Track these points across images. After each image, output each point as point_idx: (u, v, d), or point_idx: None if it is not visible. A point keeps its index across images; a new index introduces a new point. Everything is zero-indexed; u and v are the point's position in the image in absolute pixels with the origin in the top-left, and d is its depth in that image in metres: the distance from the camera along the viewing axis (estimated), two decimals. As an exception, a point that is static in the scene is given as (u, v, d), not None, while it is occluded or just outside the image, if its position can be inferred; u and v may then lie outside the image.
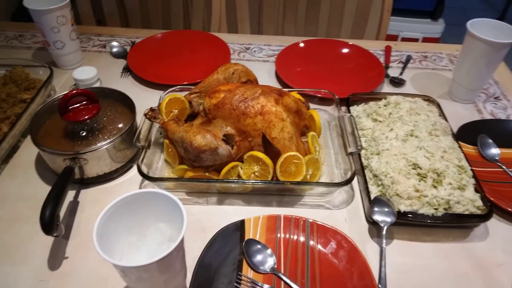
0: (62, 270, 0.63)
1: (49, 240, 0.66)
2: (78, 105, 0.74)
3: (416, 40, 2.30)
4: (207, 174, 0.70)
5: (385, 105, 0.86)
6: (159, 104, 0.80)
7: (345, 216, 0.72)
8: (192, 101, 0.80)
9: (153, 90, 0.99)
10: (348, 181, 0.69)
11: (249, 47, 1.17)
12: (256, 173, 0.71)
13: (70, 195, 0.74)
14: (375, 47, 1.16)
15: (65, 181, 0.65)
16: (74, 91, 0.71)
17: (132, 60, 1.05)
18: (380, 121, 0.83)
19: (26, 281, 0.61)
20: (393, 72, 1.07)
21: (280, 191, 0.74)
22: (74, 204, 0.72)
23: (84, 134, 0.73)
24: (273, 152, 0.69)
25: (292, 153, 0.69)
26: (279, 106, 0.70)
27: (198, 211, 0.72)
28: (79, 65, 1.06)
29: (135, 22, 1.42)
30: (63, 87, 0.99)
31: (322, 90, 0.87)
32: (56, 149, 0.70)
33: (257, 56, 1.13)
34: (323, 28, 1.38)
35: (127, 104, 0.79)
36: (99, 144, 0.71)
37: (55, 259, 0.64)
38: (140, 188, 0.76)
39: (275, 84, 1.03)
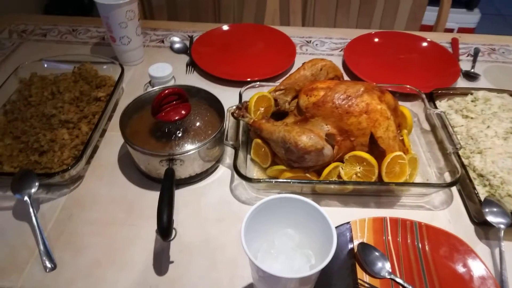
0: (169, 275, 0.61)
1: (149, 244, 0.65)
2: (168, 104, 0.71)
3: (451, 30, 2.25)
4: (307, 175, 0.68)
5: (472, 101, 0.84)
6: (244, 102, 0.77)
7: (448, 217, 0.69)
8: (278, 99, 0.78)
9: (221, 87, 0.96)
10: (456, 181, 0.66)
11: (310, 41, 1.13)
12: (359, 174, 0.68)
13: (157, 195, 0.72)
14: (434, 39, 1.12)
15: (171, 184, 0.63)
16: (167, 91, 0.68)
17: (197, 56, 1.02)
18: (472, 118, 0.80)
19: (135, 287, 0.59)
20: (464, 65, 1.04)
21: (379, 192, 0.71)
22: (165, 206, 0.70)
23: (177, 134, 0.71)
24: (378, 152, 0.67)
25: (397, 153, 0.66)
26: (383, 104, 0.68)
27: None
28: (141, 61, 1.03)
29: (183, 16, 1.38)
30: (129, 84, 0.96)
31: (407, 86, 0.84)
32: (153, 150, 0.67)
33: (320, 50, 1.10)
34: (376, 20, 1.35)
35: (213, 102, 0.76)
36: (195, 145, 0.68)
37: (160, 263, 0.62)
38: (230, 188, 0.74)
39: (344, 78, 1.00)
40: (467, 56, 1.08)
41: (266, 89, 0.85)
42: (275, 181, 0.68)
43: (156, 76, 0.84)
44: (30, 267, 0.61)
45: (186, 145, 0.69)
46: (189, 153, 0.67)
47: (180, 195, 0.72)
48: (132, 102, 0.75)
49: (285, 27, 1.17)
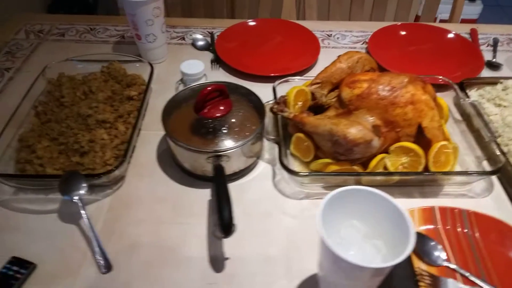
0: (227, 271, 0.61)
1: (201, 241, 0.64)
2: (210, 100, 0.70)
3: (444, 20, 2.26)
4: (354, 167, 0.68)
5: (503, 90, 0.85)
6: (281, 96, 0.77)
7: (491, 204, 0.70)
8: (315, 93, 0.78)
9: (249, 82, 0.95)
10: (500, 169, 0.67)
11: (331, 34, 1.13)
12: (405, 165, 0.69)
13: (206, 193, 0.72)
14: (452, 30, 1.13)
15: (224, 179, 0.62)
16: (210, 87, 0.68)
17: (222, 52, 1.01)
18: (505, 106, 0.81)
19: (196, 285, 0.59)
20: (484, 56, 1.05)
21: (424, 182, 0.72)
22: (214, 203, 0.70)
23: (222, 130, 0.70)
24: (424, 142, 0.67)
25: (443, 143, 0.67)
26: (427, 94, 0.68)
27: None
28: (165, 59, 1.02)
29: (198, 13, 1.37)
30: (156, 82, 0.94)
31: (439, 77, 0.85)
32: (201, 147, 0.67)
33: (342, 43, 1.10)
34: (391, 11, 1.35)
35: (251, 98, 0.76)
36: (240, 141, 0.68)
37: (216, 260, 0.62)
38: (273, 183, 0.74)
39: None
40: (487, 46, 1.09)
41: (297, 83, 0.85)
42: (326, 174, 0.68)
43: (189, 73, 0.84)
44: (84, 270, 0.61)
45: (231, 141, 0.69)
46: (236, 149, 0.67)
47: (225, 192, 0.71)
48: (171, 100, 0.75)
49: (305, 21, 1.17)
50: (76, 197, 0.64)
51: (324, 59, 1.01)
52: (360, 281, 0.48)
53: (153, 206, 0.69)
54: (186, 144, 0.67)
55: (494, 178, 0.75)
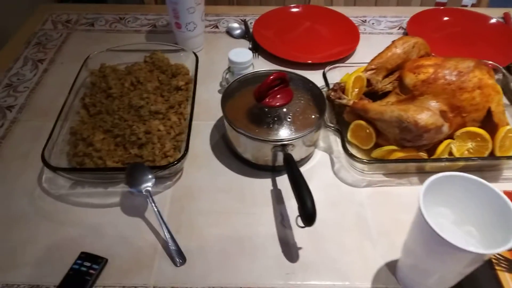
0: (302, 261, 0.60)
1: (272, 230, 0.64)
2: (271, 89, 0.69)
3: (465, 6, 2.26)
4: (420, 154, 0.68)
5: (552, 73, 0.85)
6: (336, 83, 0.76)
7: (552, 188, 0.71)
8: (371, 79, 0.77)
9: (291, 70, 0.93)
10: None
11: (365, 20, 1.12)
12: (471, 150, 0.68)
13: (267, 183, 0.71)
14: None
15: (297, 168, 0.61)
16: (272, 76, 0.66)
17: (262, 40, 0.99)
18: (556, 89, 0.81)
19: (274, 275, 0.59)
20: (521, 39, 1.05)
21: (484, 167, 0.72)
22: (277, 192, 0.69)
23: (286, 119, 0.69)
24: (490, 127, 0.67)
25: (508, 127, 0.67)
26: (492, 79, 0.68)
27: (405, 192, 0.70)
28: (202, 48, 1.00)
29: (223, 0, 1.35)
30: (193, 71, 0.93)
31: (489, 62, 0.84)
32: (267, 136, 0.66)
33: (378, 29, 1.09)
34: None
35: (307, 85, 0.75)
36: (304, 129, 0.67)
37: (290, 250, 0.61)
38: (333, 171, 0.73)
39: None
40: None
41: (346, 70, 0.84)
42: (397, 161, 0.68)
43: (238, 62, 0.82)
44: (158, 263, 0.60)
45: (295, 130, 0.68)
46: (301, 137, 0.66)
47: (284, 181, 0.70)
48: (227, 89, 0.74)
49: (337, 6, 1.15)
50: (144, 190, 0.62)
51: (364, 45, 1.01)
52: (458, 266, 0.47)
53: (216, 196, 0.68)
54: (252, 134, 0.66)
55: (551, 161, 0.75)
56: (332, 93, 0.74)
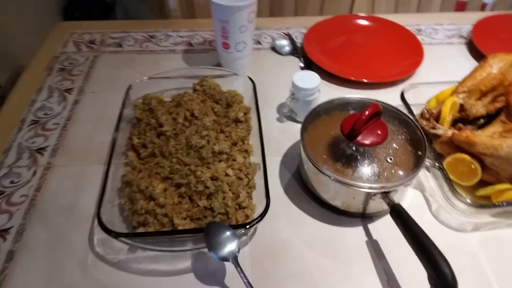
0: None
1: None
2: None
3: (484, 5, 2.18)
4: (541, 192, 0.58)
5: None
6: (428, 110, 0.66)
7: None
8: (465, 104, 0.67)
9: (354, 90, 0.84)
10: None
11: (420, 29, 1.02)
12: None
13: (359, 233, 0.60)
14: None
15: (414, 222, 0.51)
16: (367, 111, 0.56)
17: (315, 57, 0.89)
18: None
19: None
20: None
21: None
22: (373, 244, 0.59)
23: (387, 159, 0.59)
24: None
25: None
26: None
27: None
28: (246, 69, 0.89)
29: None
30: (247, 98, 0.82)
31: None
32: (366, 182, 0.56)
33: (437, 39, 0.99)
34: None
35: (399, 118, 0.64)
36: (408, 171, 0.57)
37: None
38: (432, 213, 0.63)
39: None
40: None
41: (429, 89, 0.74)
42: None
43: (305, 88, 0.71)
44: None
45: (396, 171, 0.57)
46: (406, 181, 0.56)
47: (380, 230, 0.60)
48: (304, 122, 0.63)
49: (388, 14, 1.05)
50: (232, 257, 0.52)
51: (426, 59, 0.91)
52: None
53: (304, 254, 0.58)
54: (348, 180, 0.55)
55: None
56: (425, 122, 0.64)
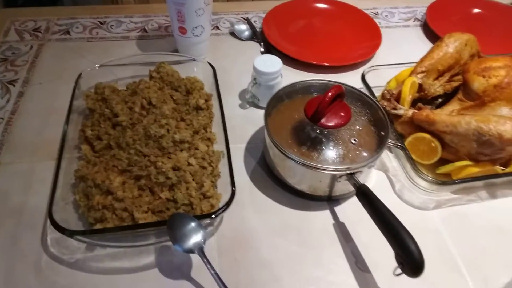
0: (394, 313, 0.51)
1: (347, 277, 0.53)
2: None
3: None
4: (496, 167, 0.60)
5: None
6: (388, 90, 0.67)
7: None
8: (423, 84, 0.68)
9: (314, 75, 0.83)
10: None
11: (377, 12, 1.03)
12: (547, 158, 0.62)
13: (326, 216, 0.60)
14: None
15: (381, 203, 0.51)
16: (330, 92, 0.55)
17: (275, 41, 0.87)
18: None
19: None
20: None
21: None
22: (341, 227, 0.59)
23: (351, 141, 0.58)
24: None
25: None
26: None
27: (477, 211, 0.62)
28: (206, 54, 0.86)
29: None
30: (207, 85, 0.79)
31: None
32: (332, 165, 0.55)
33: (393, 22, 1.01)
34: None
35: (361, 99, 0.64)
36: (372, 151, 0.57)
37: (377, 301, 0.52)
38: (396, 193, 0.64)
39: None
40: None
41: (389, 72, 0.75)
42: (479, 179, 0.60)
43: (267, 72, 0.69)
44: None
45: (360, 153, 0.57)
46: (370, 162, 0.56)
47: (345, 211, 0.60)
48: (269, 106, 0.61)
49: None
50: (197, 249, 0.49)
51: (384, 42, 0.91)
52: None
53: (273, 241, 0.57)
54: (313, 163, 0.54)
55: None
56: (386, 103, 0.65)
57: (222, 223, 0.59)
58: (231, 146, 0.66)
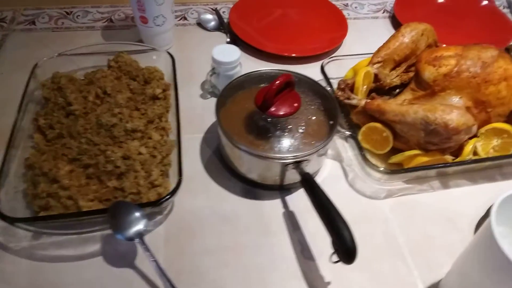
0: (334, 298, 0.52)
1: (292, 264, 0.54)
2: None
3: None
4: (445, 157, 0.61)
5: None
6: (343, 81, 0.67)
7: None
8: (379, 74, 0.68)
9: (279, 65, 0.83)
10: None
11: (347, 3, 1.03)
12: (496, 148, 0.62)
13: (276, 205, 0.60)
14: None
15: (322, 191, 0.51)
16: (278, 80, 0.55)
17: (241, 32, 0.87)
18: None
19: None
20: (506, 18, 1.01)
21: (504, 164, 0.66)
22: (290, 215, 0.59)
23: (298, 130, 0.59)
24: (518, 121, 0.61)
25: (535, 120, 0.61)
26: (517, 68, 0.61)
27: (429, 198, 0.63)
28: (171, 45, 0.86)
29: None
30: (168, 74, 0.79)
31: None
32: (278, 153, 0.55)
33: (363, 13, 1.00)
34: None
35: (312, 87, 0.64)
36: (320, 140, 0.57)
37: (317, 285, 0.52)
38: (348, 183, 0.64)
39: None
40: (503, 9, 1.06)
41: (349, 62, 0.75)
42: (426, 168, 0.60)
43: (225, 61, 0.69)
44: (163, 325, 0.48)
45: (308, 141, 0.58)
46: (317, 151, 0.56)
47: (294, 200, 0.61)
48: (221, 95, 0.62)
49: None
50: (136, 237, 0.50)
51: (351, 33, 0.91)
52: None
53: (221, 228, 0.57)
54: (260, 152, 0.55)
55: None
56: (340, 93, 0.65)
57: (172, 212, 0.59)
58: (189, 136, 0.67)
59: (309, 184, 0.52)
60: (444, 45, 0.68)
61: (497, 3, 1.07)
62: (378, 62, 0.68)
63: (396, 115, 0.60)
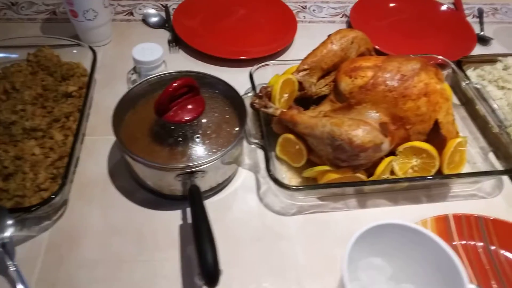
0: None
1: (175, 282, 0.50)
2: (177, 99, 0.55)
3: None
4: (358, 175, 0.56)
5: (504, 69, 0.76)
6: (263, 88, 0.63)
7: (503, 204, 0.62)
8: (303, 82, 0.64)
9: (218, 67, 0.80)
10: (518, 167, 0.59)
11: (306, 6, 0.99)
12: (416, 168, 0.58)
13: (176, 216, 0.57)
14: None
15: (202, 207, 0.48)
16: (176, 83, 0.52)
17: (182, 30, 0.84)
18: (509, 89, 0.72)
19: None
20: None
21: (431, 185, 0.62)
22: (186, 229, 0.56)
23: (194, 138, 0.55)
24: (438, 141, 0.56)
25: (459, 140, 0.57)
26: (441, 83, 0.57)
27: (342, 218, 0.59)
28: (109, 40, 0.83)
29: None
30: (100, 71, 0.75)
31: (438, 57, 0.74)
32: (167, 163, 0.52)
33: (319, 17, 0.96)
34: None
35: (224, 90, 0.61)
36: (218, 150, 0.54)
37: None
38: (258, 196, 0.60)
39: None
40: (472, 18, 1.00)
41: (280, 68, 0.71)
42: (328, 186, 0.56)
43: (144, 61, 0.66)
44: None
45: (206, 151, 0.54)
46: (213, 162, 0.53)
47: (201, 213, 0.57)
48: (123, 98, 0.58)
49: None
50: (-1, 244, 0.47)
51: (302, 37, 0.88)
52: None
53: (109, 240, 0.54)
54: (148, 161, 0.51)
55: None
56: (257, 101, 0.61)
57: (62, 218, 0.56)
58: (100, 137, 0.64)
59: (192, 197, 0.49)
60: (369, 56, 0.64)
61: (466, 12, 1.02)
62: (304, 70, 0.64)
63: (306, 128, 0.56)
